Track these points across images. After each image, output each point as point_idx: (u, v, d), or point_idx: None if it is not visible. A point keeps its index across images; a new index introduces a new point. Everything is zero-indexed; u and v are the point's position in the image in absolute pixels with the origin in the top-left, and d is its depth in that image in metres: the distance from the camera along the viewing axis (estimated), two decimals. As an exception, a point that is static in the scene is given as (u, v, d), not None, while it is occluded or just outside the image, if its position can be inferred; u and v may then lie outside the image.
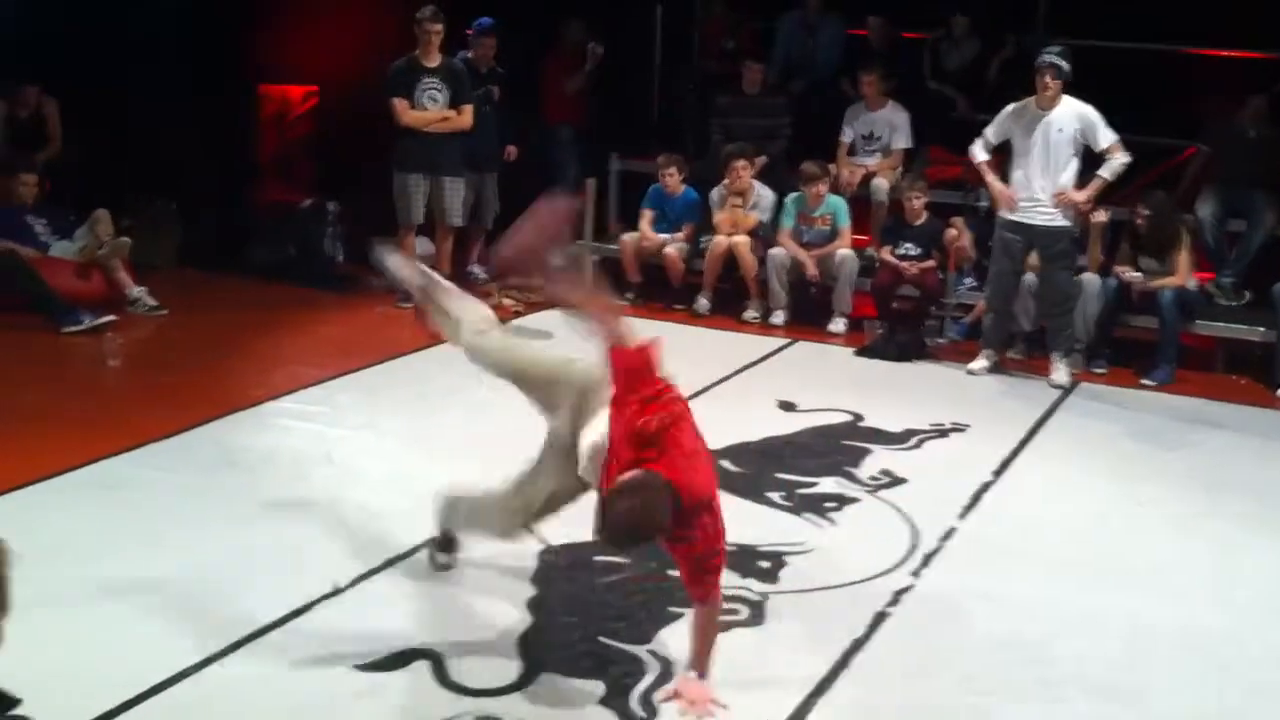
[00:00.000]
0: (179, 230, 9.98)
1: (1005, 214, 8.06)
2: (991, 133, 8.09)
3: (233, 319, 8.68)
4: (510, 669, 4.33)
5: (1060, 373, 8.05)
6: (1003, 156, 8.22)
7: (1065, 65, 7.78)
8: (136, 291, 8.66)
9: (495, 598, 4.83)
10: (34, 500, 5.52)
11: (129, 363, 8.18)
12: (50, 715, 2.51)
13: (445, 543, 4.99)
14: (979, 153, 8.12)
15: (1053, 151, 7.85)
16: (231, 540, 5.21)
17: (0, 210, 8.72)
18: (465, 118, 9.09)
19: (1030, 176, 7.92)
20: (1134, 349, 8.53)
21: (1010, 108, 8.02)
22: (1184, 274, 8.42)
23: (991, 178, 8.10)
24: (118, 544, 5.15)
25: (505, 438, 6.44)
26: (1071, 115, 7.84)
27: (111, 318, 8.27)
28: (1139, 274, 8.42)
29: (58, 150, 9.63)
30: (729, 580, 5.01)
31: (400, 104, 8.97)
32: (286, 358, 8.09)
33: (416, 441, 6.50)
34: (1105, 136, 7.83)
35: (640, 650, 4.50)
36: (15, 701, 2.53)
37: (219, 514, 5.48)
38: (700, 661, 4.19)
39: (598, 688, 4.22)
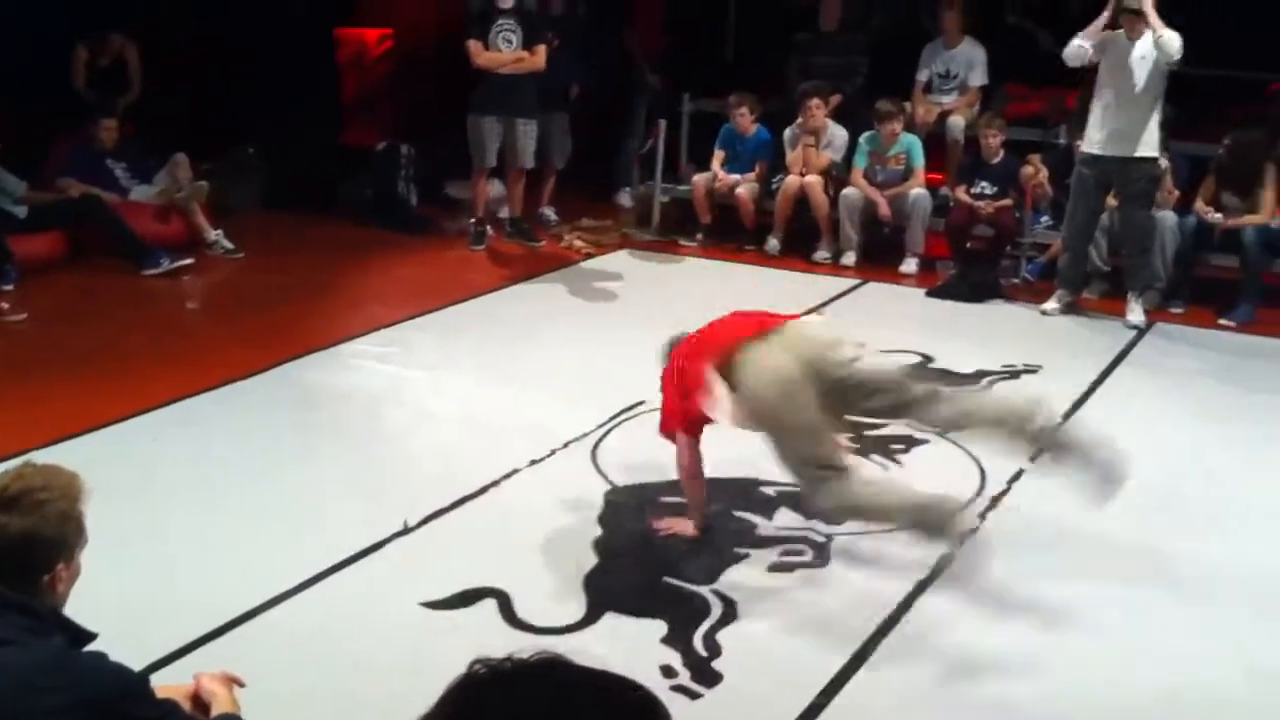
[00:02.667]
0: (261, 174, 10.11)
1: (1084, 150, 7.91)
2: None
3: (309, 261, 8.79)
4: (576, 608, 4.40)
5: (1136, 312, 7.94)
6: (1085, 88, 8.05)
7: (1138, 4, 7.57)
8: (214, 234, 8.81)
9: (562, 538, 4.90)
10: (116, 438, 5.67)
11: (208, 304, 8.34)
12: (126, 650, 2.60)
13: None
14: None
15: (1136, 82, 7.64)
16: (307, 478, 5.33)
17: (81, 154, 8.90)
18: (538, 59, 9.06)
19: (1114, 109, 7.74)
20: (1213, 288, 8.38)
21: (1099, 35, 7.78)
22: (1268, 211, 8.25)
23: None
24: (197, 480, 5.28)
25: (576, 377, 6.59)
26: (1153, 41, 7.63)
27: (189, 260, 8.43)
28: (1219, 215, 8.26)
29: (138, 95, 9.77)
30: (794, 521, 5.07)
31: (475, 45, 8.95)
32: (362, 299, 8.21)
33: (487, 382, 6.58)
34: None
35: (704, 590, 4.55)
36: (91, 636, 2.62)
37: (295, 452, 5.60)
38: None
39: (660, 627, 4.28)
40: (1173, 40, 7.46)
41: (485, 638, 4.17)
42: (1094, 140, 7.84)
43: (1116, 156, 7.78)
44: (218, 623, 4.17)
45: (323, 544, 4.72)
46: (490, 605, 4.38)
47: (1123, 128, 7.74)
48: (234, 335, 7.31)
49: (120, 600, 4.14)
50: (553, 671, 1.33)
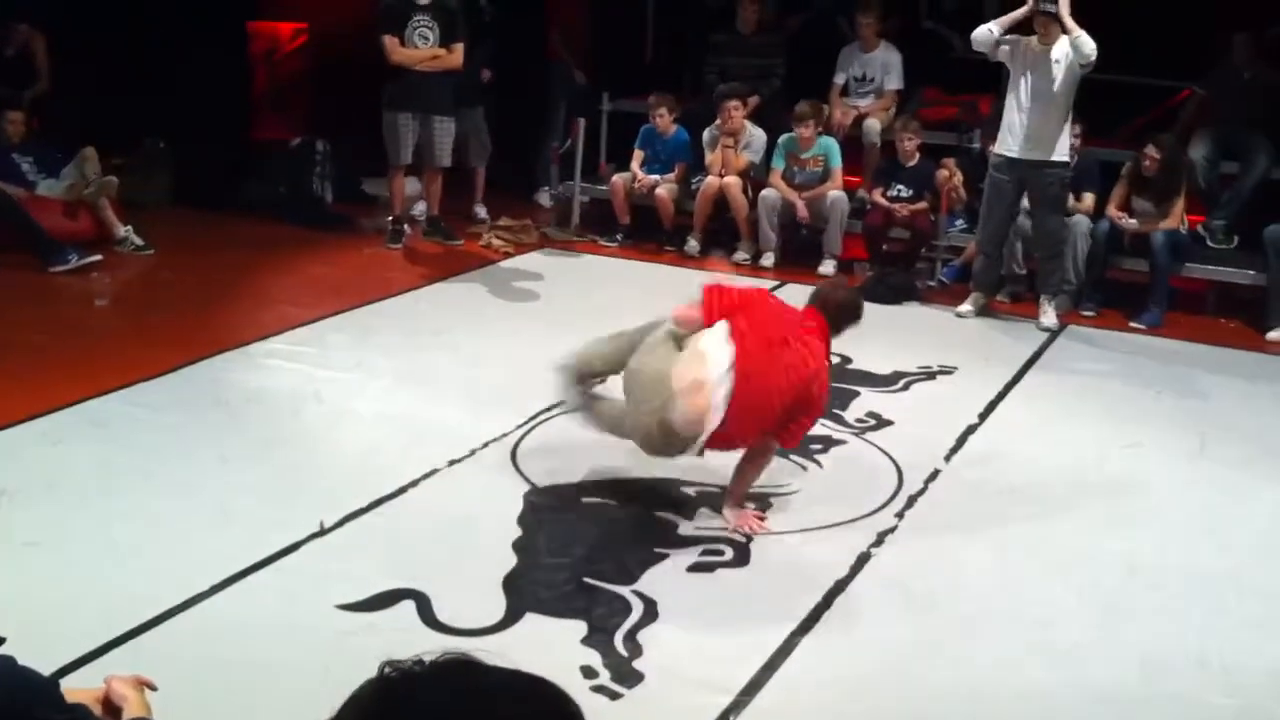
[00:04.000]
0: (172, 169, 9.92)
1: (998, 154, 8.01)
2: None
3: (221, 258, 8.65)
4: (495, 609, 4.36)
5: (1048, 315, 8.06)
6: (999, 94, 8.15)
7: (1055, 9, 7.68)
8: (124, 230, 8.63)
9: (481, 539, 4.86)
10: (22, 438, 5.53)
11: (117, 302, 8.17)
12: (35, 653, 2.53)
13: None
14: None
15: (1049, 86, 7.74)
16: (220, 479, 5.23)
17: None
18: (456, 56, 8.97)
19: (1027, 113, 7.83)
20: (1124, 291, 8.53)
21: (1011, 38, 7.87)
22: (1177, 217, 8.41)
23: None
24: (106, 482, 5.16)
25: (495, 377, 6.55)
26: (1066, 47, 7.74)
27: (98, 257, 8.25)
28: (1134, 221, 8.40)
29: (46, 88, 9.56)
30: (714, 522, 5.08)
31: (391, 41, 8.86)
32: (276, 297, 8.09)
33: (405, 382, 6.51)
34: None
35: (624, 590, 4.53)
36: (-2, 640, 2.54)
37: (207, 453, 5.49)
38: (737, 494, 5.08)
39: (581, 628, 4.26)
40: (1088, 41, 7.57)
41: (403, 640, 4.11)
42: (1008, 144, 7.94)
43: (1030, 160, 7.88)
44: (127, 626, 4.07)
45: (236, 546, 4.63)
46: (409, 607, 4.33)
47: (1036, 132, 7.84)
48: (143, 334, 7.16)
49: (27, 605, 4.05)
50: (463, 672, 1.32)
